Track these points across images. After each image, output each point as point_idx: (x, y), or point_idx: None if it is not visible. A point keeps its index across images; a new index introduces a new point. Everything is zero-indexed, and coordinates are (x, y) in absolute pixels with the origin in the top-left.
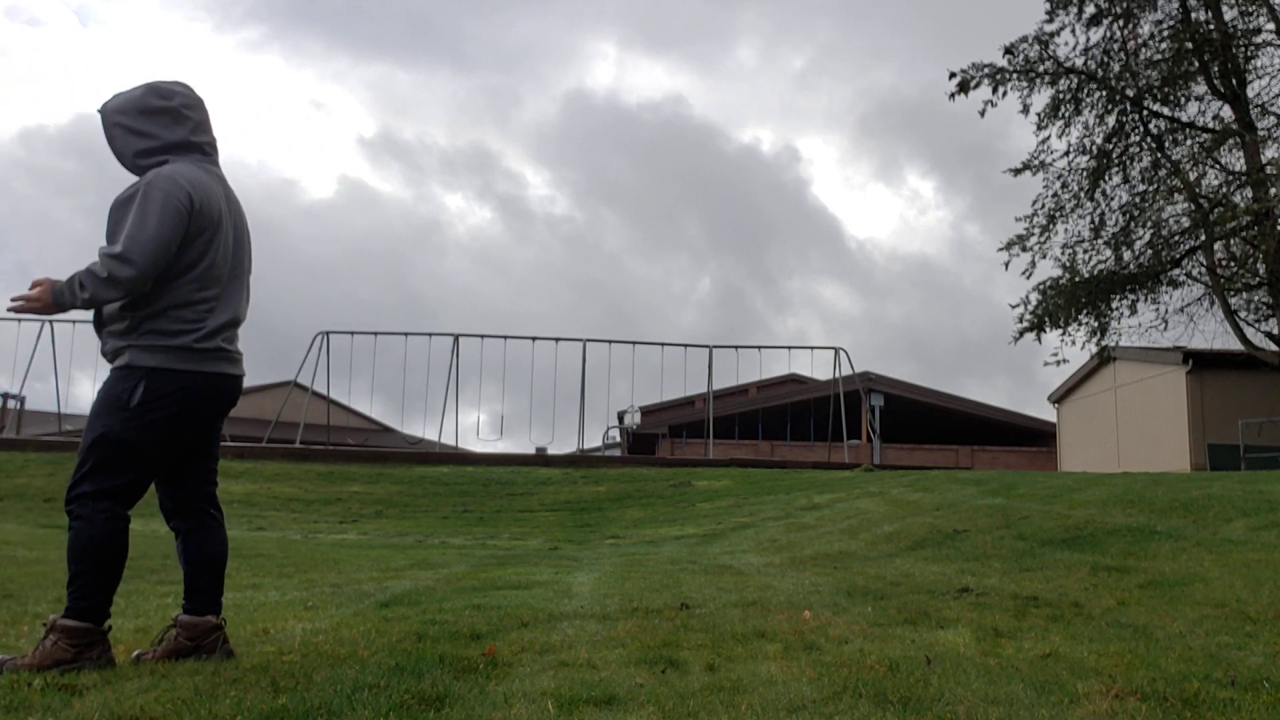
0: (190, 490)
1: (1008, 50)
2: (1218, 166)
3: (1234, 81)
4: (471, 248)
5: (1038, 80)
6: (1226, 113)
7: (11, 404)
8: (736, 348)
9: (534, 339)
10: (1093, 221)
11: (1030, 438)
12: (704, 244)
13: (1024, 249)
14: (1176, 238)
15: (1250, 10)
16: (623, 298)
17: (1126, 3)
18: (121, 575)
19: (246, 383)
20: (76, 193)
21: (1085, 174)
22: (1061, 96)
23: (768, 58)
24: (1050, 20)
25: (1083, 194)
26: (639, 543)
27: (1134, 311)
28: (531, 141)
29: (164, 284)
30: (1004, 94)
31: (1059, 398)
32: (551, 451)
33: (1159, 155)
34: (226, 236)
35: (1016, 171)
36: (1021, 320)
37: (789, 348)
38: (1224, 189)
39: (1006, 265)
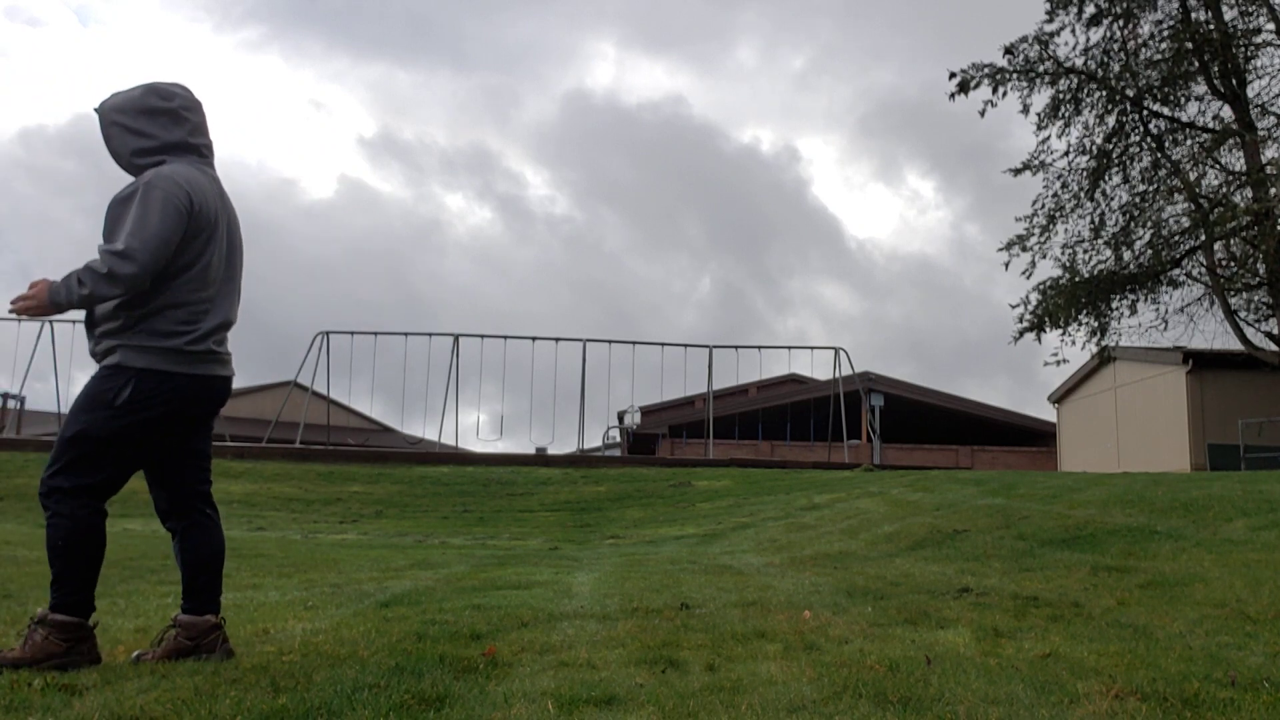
0: (184, 490)
1: (1008, 50)
2: (1218, 166)
3: (1234, 81)
4: (471, 248)
5: (1038, 80)
6: (1226, 113)
7: (11, 404)
8: (736, 348)
9: (534, 339)
10: (1093, 221)
11: (1030, 438)
12: (704, 244)
13: (1024, 249)
14: (1176, 238)
15: (1250, 10)
16: (623, 298)
17: (1126, 3)
18: (101, 567)
19: (247, 383)
20: (76, 193)
21: (1085, 174)
22: (1061, 96)
23: (768, 58)
24: (1050, 20)
25: (1083, 194)
26: (639, 543)
27: (1134, 311)
28: (531, 141)
29: (161, 284)
30: (1004, 94)
31: (1059, 398)
32: (551, 451)
33: (1159, 155)
34: (221, 239)
35: (1016, 171)
36: (1021, 320)
37: (789, 348)
38: (1224, 189)
39: (1006, 265)
